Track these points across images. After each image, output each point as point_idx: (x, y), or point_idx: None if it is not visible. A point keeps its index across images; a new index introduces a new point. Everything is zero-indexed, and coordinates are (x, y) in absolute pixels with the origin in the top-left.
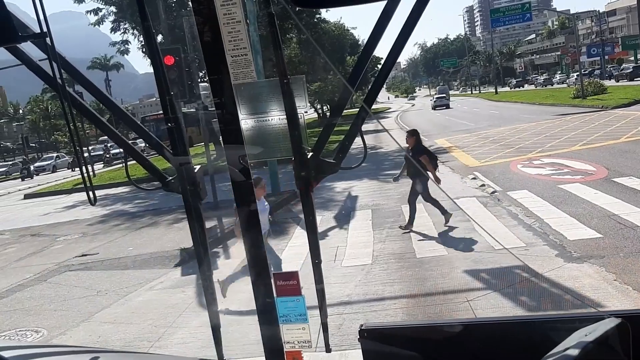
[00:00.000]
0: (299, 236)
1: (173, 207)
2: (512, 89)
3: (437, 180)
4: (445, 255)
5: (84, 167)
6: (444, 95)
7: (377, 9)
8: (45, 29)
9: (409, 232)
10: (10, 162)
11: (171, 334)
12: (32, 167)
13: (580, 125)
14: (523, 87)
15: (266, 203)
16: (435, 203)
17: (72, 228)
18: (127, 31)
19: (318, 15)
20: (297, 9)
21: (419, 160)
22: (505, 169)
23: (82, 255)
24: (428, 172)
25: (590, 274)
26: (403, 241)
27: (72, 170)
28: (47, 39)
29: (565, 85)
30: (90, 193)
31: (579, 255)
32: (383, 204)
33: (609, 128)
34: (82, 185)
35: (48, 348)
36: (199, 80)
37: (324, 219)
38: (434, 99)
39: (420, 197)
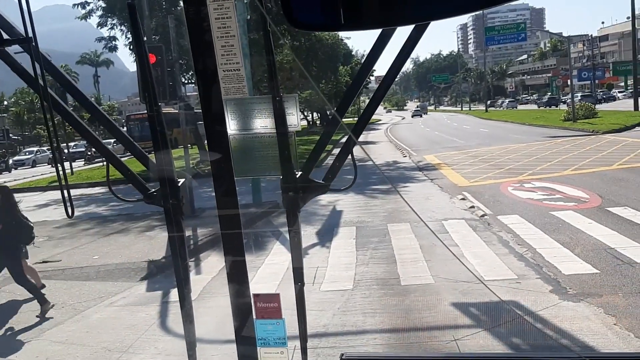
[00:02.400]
0: (277, 253)
1: (147, 212)
2: (505, 109)
3: (28, 270)
4: (432, 284)
5: (63, 180)
6: (420, 109)
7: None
8: (30, 34)
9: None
10: None
11: None
12: (10, 161)
13: (571, 149)
14: (516, 107)
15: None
16: (30, 288)
17: (38, 230)
18: (114, 27)
19: None
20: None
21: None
22: (496, 191)
23: (43, 262)
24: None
25: (588, 315)
26: (388, 265)
27: (52, 166)
28: (33, 44)
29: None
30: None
31: (575, 292)
32: (368, 222)
33: (601, 153)
34: (56, 184)
35: None
36: (185, 82)
37: (305, 234)
38: (413, 111)
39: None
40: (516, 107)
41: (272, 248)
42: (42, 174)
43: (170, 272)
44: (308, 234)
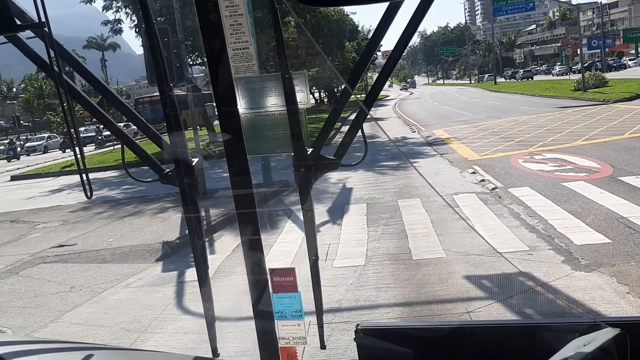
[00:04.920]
0: (289, 231)
1: (160, 194)
2: (520, 80)
3: None
4: (444, 258)
5: (82, 164)
6: (407, 84)
7: (382, 5)
8: (43, 18)
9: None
10: None
11: (144, 341)
12: (18, 148)
13: (581, 119)
14: (532, 78)
15: None
16: None
17: (54, 215)
18: (119, 10)
19: None
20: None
21: None
22: (506, 164)
23: (59, 246)
24: None
25: (600, 284)
26: (399, 240)
27: (63, 152)
28: (46, 29)
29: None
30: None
31: (587, 262)
32: (379, 198)
33: (612, 123)
34: (71, 168)
35: (40, 344)
36: (192, 63)
37: (316, 212)
38: (401, 86)
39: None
40: (532, 78)
41: (284, 227)
42: (54, 160)
43: (185, 253)
44: (319, 212)
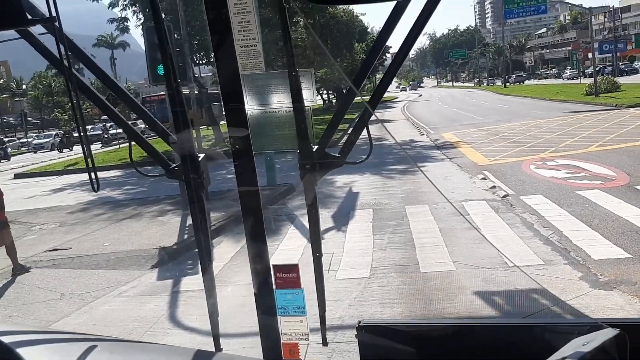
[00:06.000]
0: (292, 237)
1: (161, 196)
2: (512, 84)
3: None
4: (453, 271)
5: (88, 156)
6: (411, 86)
7: (389, 4)
8: (54, 13)
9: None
10: None
11: None
12: (9, 149)
13: (594, 124)
14: (523, 82)
15: None
16: None
17: (51, 216)
18: (126, 8)
19: None
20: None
21: None
22: (517, 170)
23: (53, 250)
24: None
25: (622, 305)
26: (406, 250)
27: (60, 152)
28: (56, 23)
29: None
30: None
31: (607, 279)
32: (385, 204)
33: (626, 129)
34: (74, 167)
35: (47, 334)
36: (198, 62)
37: (321, 217)
38: (411, 85)
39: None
40: (523, 82)
41: (287, 233)
42: (59, 158)
43: (182, 259)
44: (323, 217)
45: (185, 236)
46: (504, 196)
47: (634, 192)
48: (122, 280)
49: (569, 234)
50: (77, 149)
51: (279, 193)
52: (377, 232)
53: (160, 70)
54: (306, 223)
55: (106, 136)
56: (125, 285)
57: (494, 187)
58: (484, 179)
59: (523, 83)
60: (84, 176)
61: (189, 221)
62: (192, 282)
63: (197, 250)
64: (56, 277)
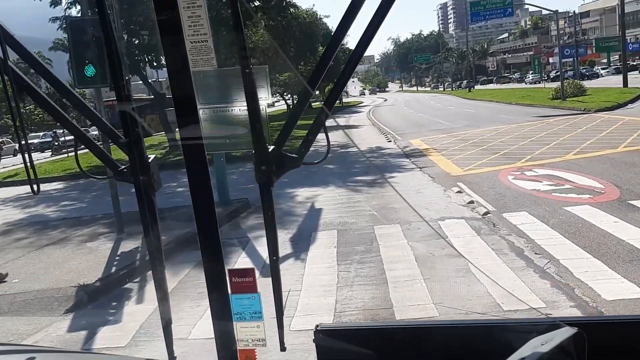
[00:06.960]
0: (241, 264)
1: (97, 214)
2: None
3: None
4: (436, 318)
5: (27, 155)
6: (372, 90)
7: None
8: None
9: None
10: None
11: None
12: None
13: (567, 130)
14: (474, 88)
15: None
16: None
17: None
18: (70, 7)
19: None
20: None
21: None
22: (494, 181)
23: None
24: None
25: None
26: (377, 286)
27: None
28: None
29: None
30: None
31: None
32: (352, 223)
33: (601, 134)
34: (11, 179)
35: None
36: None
37: (279, 241)
38: (372, 89)
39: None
40: (473, 88)
41: (236, 260)
42: (4, 167)
43: (105, 300)
44: (280, 241)
45: (113, 269)
46: (485, 213)
47: (628, 209)
48: (24, 332)
49: (567, 263)
50: (17, 158)
51: (232, 210)
52: (342, 261)
53: (89, 71)
54: (260, 249)
55: (56, 144)
56: (27, 339)
57: (471, 202)
58: (459, 192)
59: (473, 88)
60: (22, 189)
61: (122, 248)
62: (112, 336)
63: (123, 287)
64: None
